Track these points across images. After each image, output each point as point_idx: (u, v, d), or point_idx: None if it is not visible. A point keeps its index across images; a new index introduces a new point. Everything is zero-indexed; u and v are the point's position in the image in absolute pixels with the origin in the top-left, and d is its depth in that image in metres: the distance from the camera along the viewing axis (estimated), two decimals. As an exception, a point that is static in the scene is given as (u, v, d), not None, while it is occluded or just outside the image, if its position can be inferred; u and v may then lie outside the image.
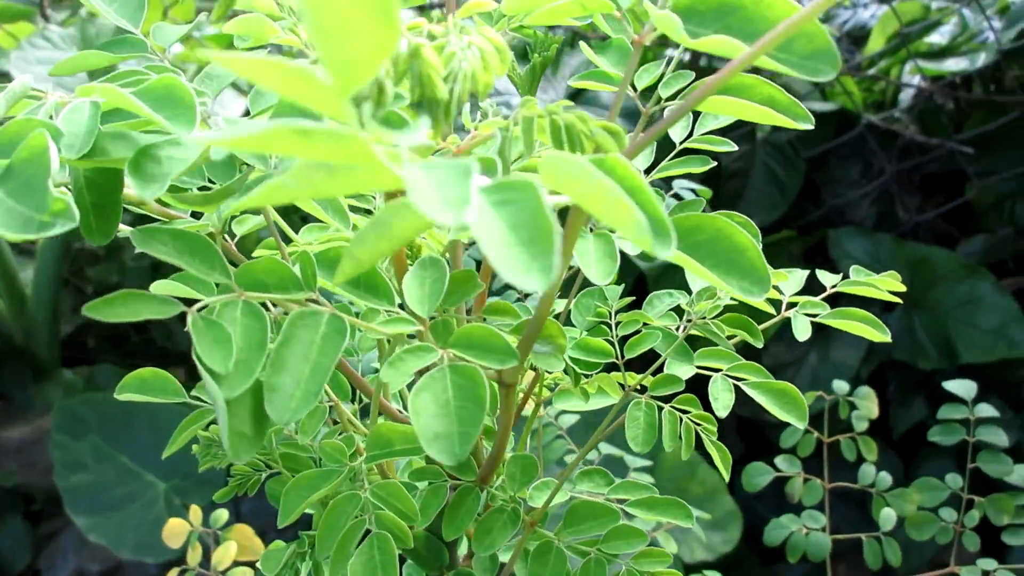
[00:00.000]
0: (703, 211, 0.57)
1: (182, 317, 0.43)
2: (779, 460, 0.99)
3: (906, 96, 2.22)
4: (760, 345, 0.57)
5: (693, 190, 0.94)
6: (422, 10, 2.31)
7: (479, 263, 0.65)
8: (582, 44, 0.47)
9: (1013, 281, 2.02)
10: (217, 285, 0.46)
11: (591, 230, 0.44)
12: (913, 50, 2.08)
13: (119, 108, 0.43)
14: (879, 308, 1.86)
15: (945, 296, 1.97)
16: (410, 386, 0.59)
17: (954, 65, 2.08)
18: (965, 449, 0.97)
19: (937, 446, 1.10)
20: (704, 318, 0.57)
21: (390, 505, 0.53)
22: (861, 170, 2.22)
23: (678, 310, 0.63)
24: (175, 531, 0.89)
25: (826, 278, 0.64)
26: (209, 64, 0.56)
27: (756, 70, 0.39)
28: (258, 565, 0.64)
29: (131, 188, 0.42)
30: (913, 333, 1.96)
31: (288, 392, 0.40)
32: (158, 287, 0.53)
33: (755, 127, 2.06)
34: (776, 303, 0.61)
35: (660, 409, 0.58)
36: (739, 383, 0.58)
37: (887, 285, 0.60)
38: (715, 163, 0.56)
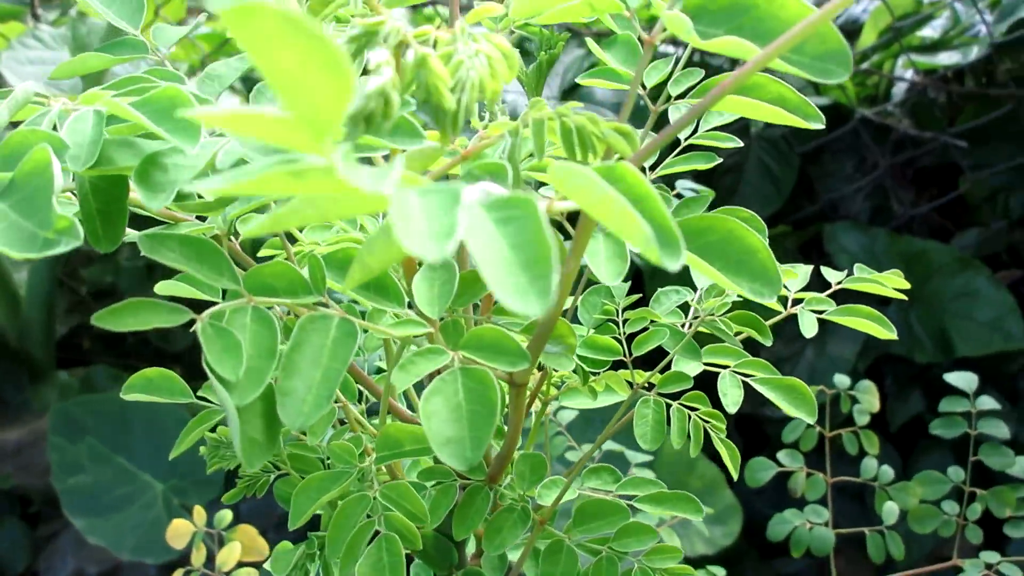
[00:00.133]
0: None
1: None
2: (781, 455, 0.99)
3: (899, 90, 2.22)
4: (769, 342, 0.57)
5: (695, 189, 0.94)
6: (415, 9, 2.30)
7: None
8: (589, 42, 0.47)
9: (1008, 274, 2.03)
10: (224, 292, 0.46)
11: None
12: (905, 44, 2.08)
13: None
14: (875, 303, 1.87)
15: (941, 290, 1.97)
16: (416, 386, 0.59)
17: (947, 59, 2.08)
18: (963, 442, 0.97)
19: (934, 439, 1.11)
20: (712, 315, 0.58)
21: (400, 506, 0.53)
22: (855, 164, 2.22)
23: (683, 307, 0.63)
24: (179, 532, 0.89)
25: (831, 275, 0.64)
26: (210, 65, 0.55)
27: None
28: (266, 566, 0.63)
29: (136, 192, 0.42)
30: (909, 327, 1.96)
31: (300, 397, 0.40)
32: (163, 288, 0.53)
33: (749, 123, 2.06)
34: (782, 299, 0.61)
35: (668, 406, 0.58)
36: (747, 379, 0.58)
37: (892, 282, 0.60)
38: (720, 160, 0.56)
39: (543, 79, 0.51)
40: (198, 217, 0.51)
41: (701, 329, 0.59)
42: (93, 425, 2.01)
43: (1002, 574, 0.89)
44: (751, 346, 0.61)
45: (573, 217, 0.41)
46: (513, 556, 0.63)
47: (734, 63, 2.04)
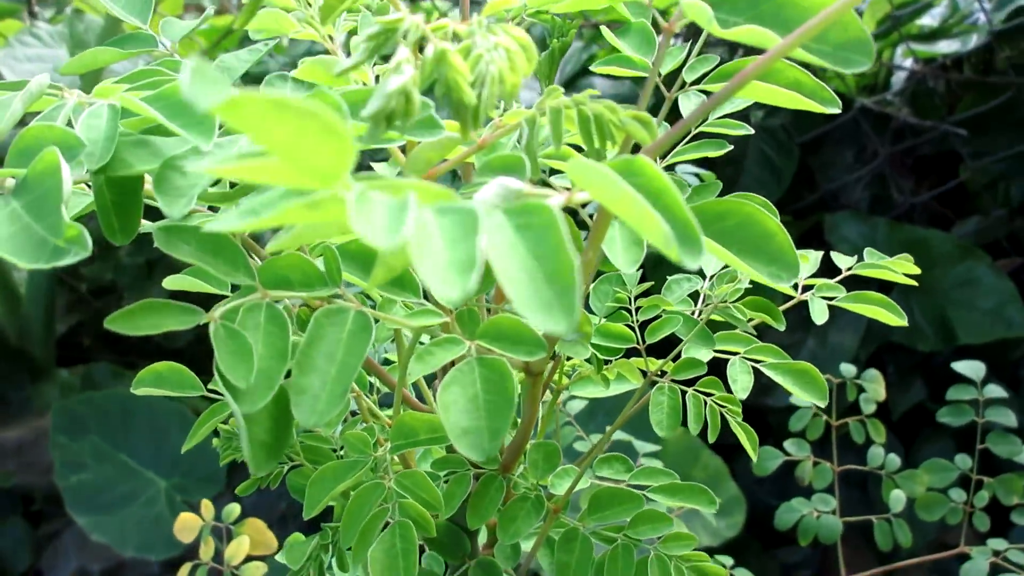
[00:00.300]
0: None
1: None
2: (788, 444, 1.00)
3: (898, 79, 2.22)
4: (782, 327, 0.57)
5: (696, 174, 0.94)
6: (413, 1, 2.30)
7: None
8: (604, 29, 0.47)
9: (1008, 262, 2.03)
10: (234, 286, 0.45)
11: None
12: (905, 32, 2.08)
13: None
14: (876, 291, 1.87)
15: (942, 278, 1.97)
16: (426, 376, 0.59)
17: (946, 47, 2.08)
18: (966, 431, 0.97)
19: (937, 428, 1.11)
20: (725, 302, 0.58)
21: (415, 495, 0.53)
22: (855, 154, 2.22)
23: (692, 295, 0.63)
24: (187, 525, 0.89)
25: (840, 260, 0.64)
26: (219, 56, 0.55)
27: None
28: (277, 558, 0.64)
29: (155, 196, 0.42)
30: (911, 315, 1.96)
31: (315, 394, 0.39)
32: (171, 282, 0.53)
33: (748, 112, 2.06)
34: (792, 285, 0.61)
35: (683, 393, 0.59)
36: (757, 365, 0.58)
37: (902, 268, 0.60)
38: (731, 147, 0.56)
39: (555, 68, 0.51)
40: (210, 208, 0.51)
41: (712, 316, 0.59)
42: (95, 423, 2.01)
43: (1010, 561, 0.89)
44: (756, 334, 0.61)
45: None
46: (526, 546, 0.63)
47: (733, 52, 2.04)
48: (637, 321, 0.60)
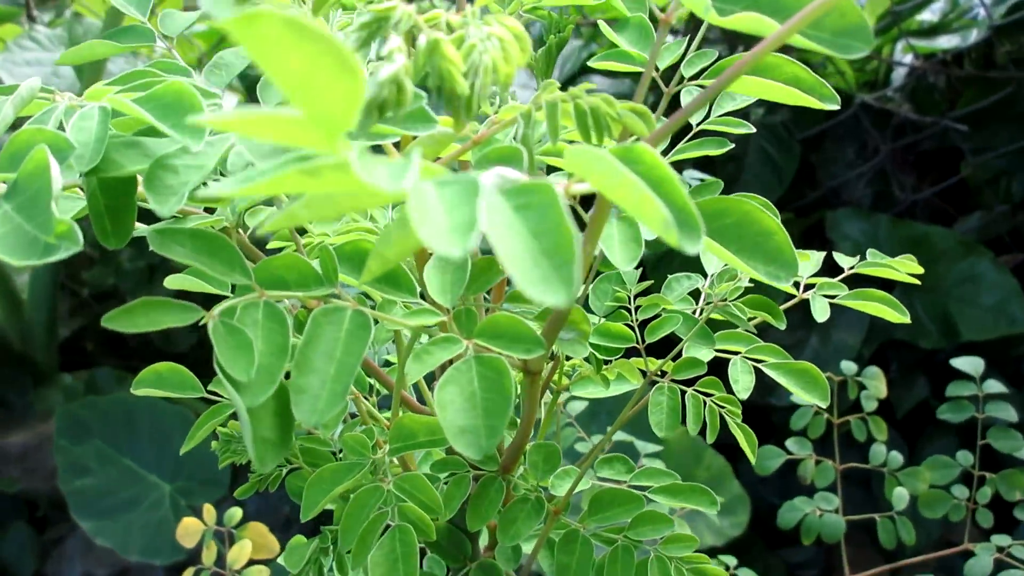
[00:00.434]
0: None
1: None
2: (790, 443, 0.99)
3: (899, 75, 2.22)
4: (783, 326, 0.57)
5: (700, 178, 0.94)
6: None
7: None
8: (601, 23, 0.47)
9: (1011, 258, 2.02)
10: (233, 287, 0.45)
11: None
12: (904, 28, 2.07)
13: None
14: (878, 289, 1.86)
15: (944, 274, 1.97)
16: (426, 377, 0.58)
17: (946, 42, 2.08)
18: (970, 427, 0.97)
19: (941, 425, 1.11)
20: (725, 300, 0.57)
21: (414, 497, 0.53)
22: (856, 150, 2.22)
23: (692, 293, 0.62)
24: (189, 530, 0.88)
25: (842, 260, 0.64)
26: (218, 54, 0.55)
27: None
28: (279, 561, 0.63)
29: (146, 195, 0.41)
30: (913, 313, 1.96)
31: (315, 393, 0.39)
32: (172, 281, 0.53)
33: (748, 110, 2.05)
34: (793, 284, 0.61)
35: (683, 393, 0.58)
36: (758, 365, 0.58)
37: (905, 267, 0.60)
38: (732, 145, 0.56)
39: (553, 63, 0.51)
40: (206, 209, 0.51)
41: (712, 315, 0.59)
42: (99, 427, 2.01)
43: (1014, 556, 0.89)
44: (757, 332, 0.60)
45: (584, 201, 0.40)
46: (526, 547, 0.62)
47: (732, 49, 2.03)
48: (637, 320, 0.59)
